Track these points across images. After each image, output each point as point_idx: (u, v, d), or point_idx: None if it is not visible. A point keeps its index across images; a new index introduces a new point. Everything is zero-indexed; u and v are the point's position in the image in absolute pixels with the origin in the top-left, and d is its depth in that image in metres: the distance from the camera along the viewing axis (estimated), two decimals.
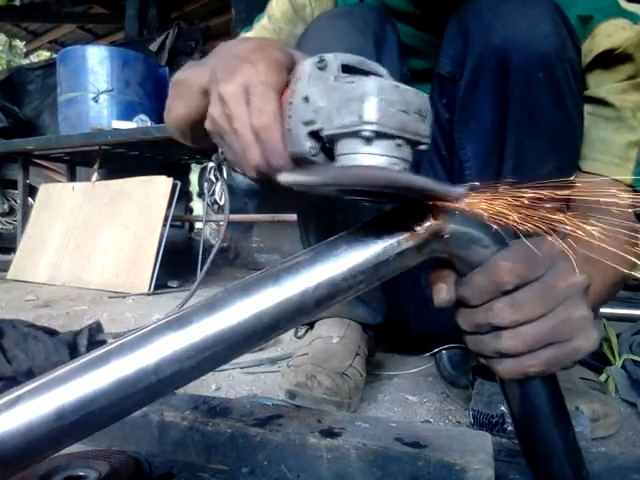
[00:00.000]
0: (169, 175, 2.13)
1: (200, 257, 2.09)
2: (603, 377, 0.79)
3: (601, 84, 0.71)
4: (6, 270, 2.34)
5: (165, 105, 0.64)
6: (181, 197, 2.66)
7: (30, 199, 2.92)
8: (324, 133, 0.34)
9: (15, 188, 3.19)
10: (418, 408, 0.74)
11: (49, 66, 3.87)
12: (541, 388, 0.40)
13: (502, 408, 0.61)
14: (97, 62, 2.76)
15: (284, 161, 0.39)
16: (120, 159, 2.84)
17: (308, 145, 0.36)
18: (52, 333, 0.72)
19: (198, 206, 4.50)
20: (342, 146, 0.33)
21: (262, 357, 0.96)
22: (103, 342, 0.77)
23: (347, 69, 0.36)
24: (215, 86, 0.42)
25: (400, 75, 0.77)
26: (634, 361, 0.82)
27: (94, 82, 2.75)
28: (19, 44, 8.10)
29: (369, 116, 0.31)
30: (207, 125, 0.44)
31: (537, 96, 0.68)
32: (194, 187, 4.14)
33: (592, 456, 0.49)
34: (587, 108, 0.72)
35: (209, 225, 4.11)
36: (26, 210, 2.73)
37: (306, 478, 0.44)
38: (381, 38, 0.74)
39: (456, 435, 0.45)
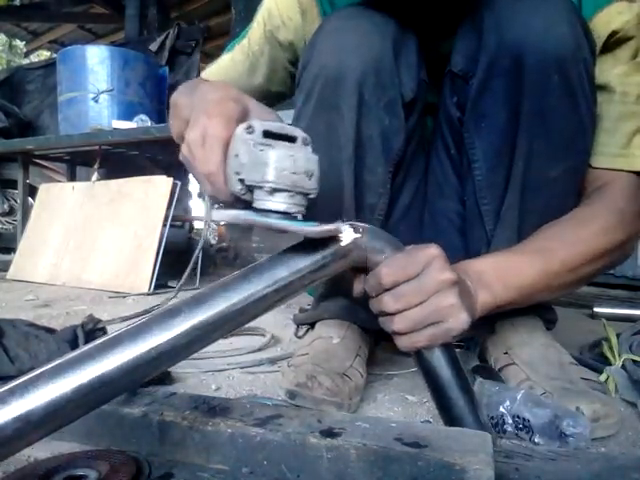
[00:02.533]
0: (169, 175, 2.13)
1: (200, 257, 2.08)
2: (603, 377, 0.79)
3: (604, 70, 0.71)
4: (6, 270, 2.34)
5: (167, 114, 0.71)
6: (181, 197, 2.66)
7: (30, 199, 2.92)
8: (245, 182, 0.47)
9: (15, 188, 3.19)
10: (418, 408, 0.74)
11: (49, 66, 3.87)
12: (439, 357, 0.56)
13: (502, 409, 0.61)
14: (97, 62, 2.76)
15: (225, 197, 0.51)
16: (120, 159, 2.84)
17: (238, 187, 0.48)
18: (52, 332, 0.72)
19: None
20: (256, 193, 0.47)
21: (262, 357, 0.96)
22: (103, 329, 0.78)
23: (268, 134, 0.48)
24: (186, 130, 0.54)
25: (418, 80, 0.75)
26: (634, 361, 0.82)
27: (94, 82, 2.75)
28: (19, 44, 8.10)
29: (269, 177, 0.45)
30: (180, 157, 0.57)
31: (550, 98, 0.67)
32: (194, 187, 4.14)
33: (592, 456, 0.49)
34: None
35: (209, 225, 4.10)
36: (26, 210, 2.73)
37: (306, 478, 0.44)
38: (400, 43, 0.72)
39: (456, 435, 0.45)
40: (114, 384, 0.39)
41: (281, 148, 0.46)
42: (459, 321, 0.55)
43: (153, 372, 0.42)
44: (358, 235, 0.53)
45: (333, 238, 0.52)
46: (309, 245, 0.51)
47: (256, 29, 0.89)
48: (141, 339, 0.40)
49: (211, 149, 0.50)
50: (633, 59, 0.71)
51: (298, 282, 0.49)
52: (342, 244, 0.52)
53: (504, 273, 0.64)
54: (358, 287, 0.59)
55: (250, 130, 0.47)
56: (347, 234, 0.53)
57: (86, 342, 0.69)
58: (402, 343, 0.57)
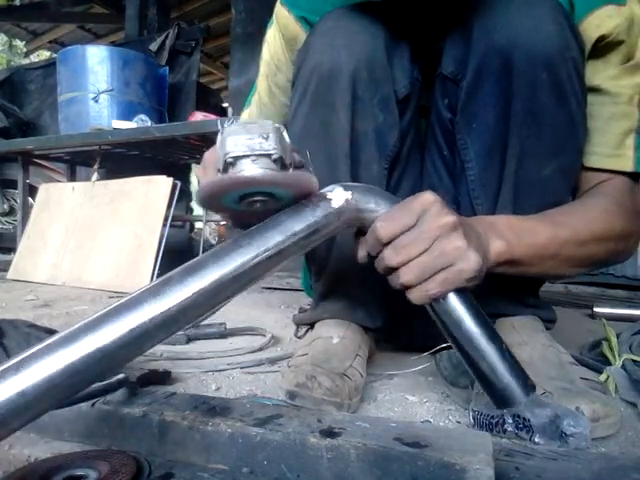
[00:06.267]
0: (169, 175, 2.13)
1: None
2: (603, 377, 0.79)
3: (595, 73, 0.71)
4: (6, 270, 2.34)
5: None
6: (181, 197, 2.66)
7: (30, 199, 2.92)
8: (220, 169, 0.49)
9: (15, 188, 3.19)
10: (418, 408, 0.74)
11: (49, 66, 3.87)
12: (457, 305, 0.53)
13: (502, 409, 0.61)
14: (97, 62, 2.76)
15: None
16: (120, 159, 2.85)
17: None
18: (53, 334, 0.72)
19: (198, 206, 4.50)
20: (228, 171, 0.49)
21: (262, 357, 0.96)
22: None
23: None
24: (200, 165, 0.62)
25: (411, 79, 0.76)
26: (634, 361, 0.82)
27: (94, 82, 2.75)
28: (19, 44, 8.10)
29: (227, 148, 0.47)
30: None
31: (540, 97, 0.67)
32: (194, 187, 4.14)
33: (592, 456, 0.49)
34: None
35: (209, 225, 4.11)
36: (26, 210, 2.73)
37: (306, 478, 0.44)
38: (393, 41, 0.74)
39: (456, 435, 0.45)
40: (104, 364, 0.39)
41: (236, 125, 0.49)
42: (470, 261, 0.53)
43: (148, 345, 0.43)
44: (349, 194, 0.52)
45: (325, 199, 0.52)
46: (300, 208, 0.51)
47: (262, 81, 0.93)
48: (139, 311, 0.41)
49: (207, 168, 0.57)
50: (623, 63, 0.71)
51: (292, 247, 0.49)
52: (334, 205, 0.52)
53: (517, 229, 0.63)
54: (361, 252, 0.58)
55: (221, 132, 0.50)
56: (338, 194, 0.52)
57: None
58: (414, 296, 0.54)
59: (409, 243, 0.53)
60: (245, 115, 0.99)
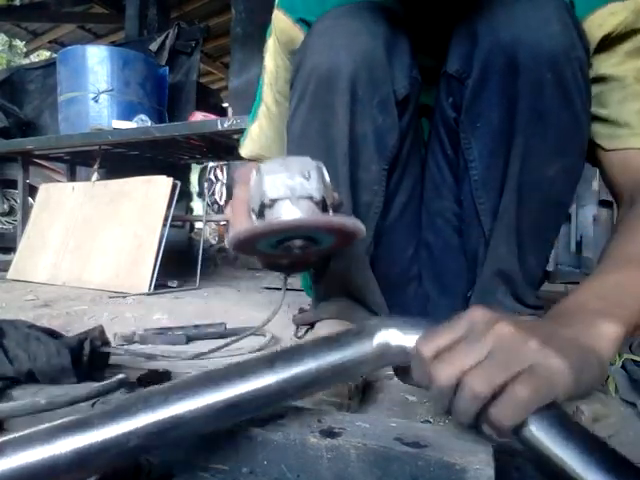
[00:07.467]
0: (169, 175, 2.12)
1: (200, 257, 2.08)
2: None
3: (598, 63, 0.71)
4: (6, 270, 2.34)
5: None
6: (181, 197, 2.66)
7: (30, 199, 2.92)
8: (256, 210, 0.47)
9: (15, 188, 3.19)
10: (418, 408, 0.74)
11: (49, 66, 3.87)
12: (546, 432, 0.36)
13: None
14: (97, 62, 2.76)
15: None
16: (120, 159, 2.84)
17: (256, 222, 0.48)
18: (53, 334, 0.71)
19: (198, 206, 4.49)
20: (266, 215, 0.46)
21: None
22: (107, 354, 0.76)
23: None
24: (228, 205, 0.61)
25: (411, 78, 0.76)
26: (634, 361, 0.82)
27: (94, 82, 2.75)
28: (19, 44, 8.11)
29: (264, 187, 0.43)
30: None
31: (545, 96, 0.67)
32: (194, 187, 4.15)
33: None
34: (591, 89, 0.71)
35: (209, 225, 4.11)
36: (26, 210, 2.73)
37: (306, 478, 0.44)
38: (392, 41, 0.73)
39: (456, 435, 0.45)
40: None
41: (274, 162, 0.44)
42: (555, 365, 0.37)
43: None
44: (395, 331, 0.45)
45: (361, 338, 0.45)
46: (342, 342, 0.45)
47: (267, 92, 0.92)
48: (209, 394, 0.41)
49: (237, 209, 0.55)
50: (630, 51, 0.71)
51: (322, 378, 0.44)
52: (375, 345, 0.44)
53: (614, 296, 0.50)
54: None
55: (258, 170, 0.47)
56: (378, 334, 0.45)
57: (90, 357, 0.68)
58: (502, 418, 0.36)
59: (461, 349, 0.39)
60: (255, 128, 0.96)
